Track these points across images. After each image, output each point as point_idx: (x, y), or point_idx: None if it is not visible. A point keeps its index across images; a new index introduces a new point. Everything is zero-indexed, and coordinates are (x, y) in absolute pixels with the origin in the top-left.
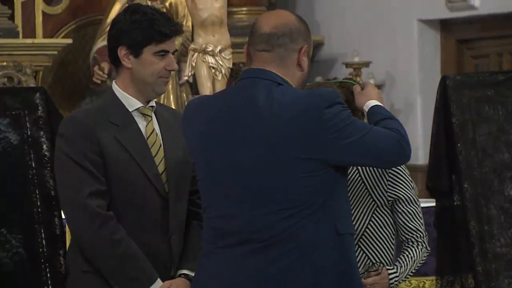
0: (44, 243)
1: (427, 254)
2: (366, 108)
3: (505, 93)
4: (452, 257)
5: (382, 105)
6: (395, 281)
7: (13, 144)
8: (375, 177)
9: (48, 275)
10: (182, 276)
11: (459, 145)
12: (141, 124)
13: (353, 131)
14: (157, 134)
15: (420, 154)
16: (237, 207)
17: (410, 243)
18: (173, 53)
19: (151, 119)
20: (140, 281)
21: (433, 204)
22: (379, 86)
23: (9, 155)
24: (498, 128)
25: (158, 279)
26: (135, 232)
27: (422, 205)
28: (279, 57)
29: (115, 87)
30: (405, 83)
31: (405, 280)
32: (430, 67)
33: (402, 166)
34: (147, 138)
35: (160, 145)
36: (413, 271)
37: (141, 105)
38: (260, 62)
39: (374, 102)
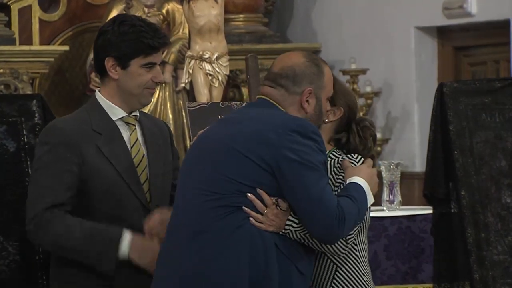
0: (40, 250)
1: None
2: (348, 181)
3: (502, 100)
4: (449, 264)
5: (362, 185)
6: (288, 229)
7: (9, 151)
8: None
9: (45, 282)
10: None
11: (456, 152)
12: (125, 133)
13: (307, 170)
14: (140, 144)
15: (417, 161)
16: (185, 199)
17: None
18: (159, 64)
19: (135, 128)
20: (111, 240)
21: (430, 211)
22: (376, 93)
23: (5, 162)
24: (495, 135)
25: (124, 229)
26: None
27: (419, 212)
28: (280, 96)
29: (99, 96)
30: (402, 90)
31: (299, 239)
32: (427, 74)
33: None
34: (131, 148)
35: (143, 155)
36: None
37: (125, 114)
38: (264, 93)
39: (357, 179)
